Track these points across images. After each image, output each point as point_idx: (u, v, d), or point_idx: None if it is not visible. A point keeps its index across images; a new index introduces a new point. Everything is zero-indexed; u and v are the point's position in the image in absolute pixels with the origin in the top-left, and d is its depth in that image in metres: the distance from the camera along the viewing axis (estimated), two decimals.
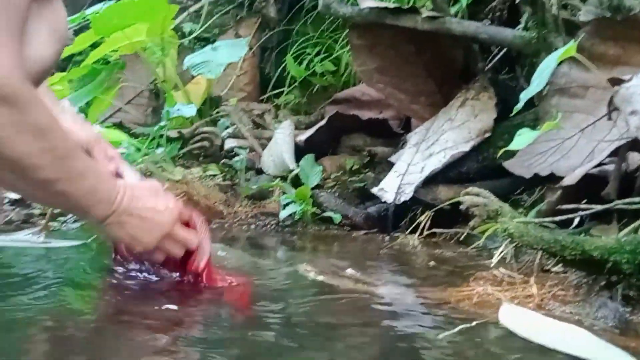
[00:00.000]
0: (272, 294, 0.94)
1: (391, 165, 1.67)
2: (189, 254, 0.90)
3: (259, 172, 1.86)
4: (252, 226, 1.63)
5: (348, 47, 2.08)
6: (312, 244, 1.44)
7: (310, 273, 1.03)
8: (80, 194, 0.78)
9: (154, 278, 0.92)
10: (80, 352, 0.68)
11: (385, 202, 1.55)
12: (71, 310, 0.86)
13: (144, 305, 0.85)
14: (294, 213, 1.60)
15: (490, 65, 1.83)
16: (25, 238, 1.25)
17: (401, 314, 0.86)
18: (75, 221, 1.61)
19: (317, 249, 1.34)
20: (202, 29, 2.52)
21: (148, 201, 0.86)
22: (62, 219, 1.63)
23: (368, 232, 1.56)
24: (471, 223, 1.38)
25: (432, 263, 1.22)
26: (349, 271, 1.05)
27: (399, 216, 1.55)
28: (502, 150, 1.15)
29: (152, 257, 0.90)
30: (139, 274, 0.92)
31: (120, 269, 0.93)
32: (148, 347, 0.68)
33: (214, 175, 1.84)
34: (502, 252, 1.15)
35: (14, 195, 1.61)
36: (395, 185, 1.57)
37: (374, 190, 1.59)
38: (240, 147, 1.94)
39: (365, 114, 2.00)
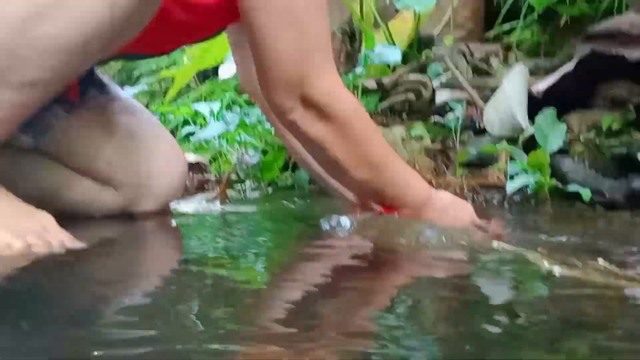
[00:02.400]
0: (496, 285, 0.94)
1: None
2: None
3: (480, 132, 1.85)
4: (470, 202, 1.63)
5: None
6: (550, 225, 1.40)
7: (545, 261, 1.01)
8: (389, 195, 1.18)
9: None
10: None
11: None
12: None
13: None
14: (526, 186, 1.58)
15: None
16: (201, 205, 1.40)
17: None
18: (253, 189, 1.77)
19: (556, 232, 1.30)
20: None
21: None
22: (239, 187, 1.80)
23: (631, 214, 1.50)
24: None
25: None
26: (600, 261, 1.01)
27: None
28: None
29: None
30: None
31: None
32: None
33: (421, 137, 1.87)
34: None
35: (189, 159, 1.81)
36: None
37: None
38: (455, 101, 1.94)
39: (635, 53, 1.88)
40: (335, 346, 0.64)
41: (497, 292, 0.91)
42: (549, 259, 1.01)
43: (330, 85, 1.10)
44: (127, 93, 1.32)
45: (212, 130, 1.65)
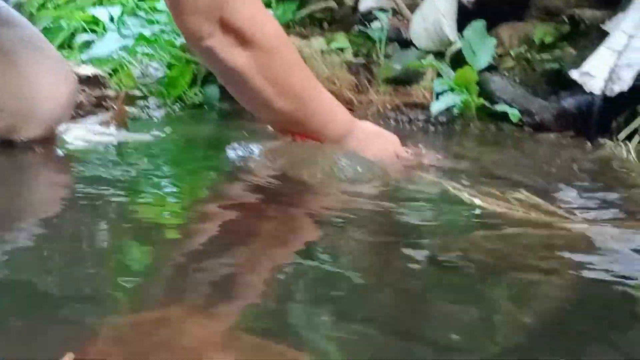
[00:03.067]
0: (410, 222, 0.92)
1: (604, 36, 1.59)
2: None
3: (406, 44, 1.82)
4: (392, 122, 1.62)
5: None
6: (475, 150, 1.39)
7: (465, 193, 1.00)
8: (311, 127, 1.16)
9: None
10: None
11: (589, 92, 1.50)
12: None
13: None
14: (453, 106, 1.57)
15: None
16: (94, 129, 1.33)
17: (600, 261, 0.80)
18: (158, 107, 1.70)
19: (480, 158, 1.29)
20: None
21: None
22: (142, 103, 1.72)
23: (560, 136, 1.52)
24: None
25: None
26: (524, 193, 1.00)
27: (608, 114, 1.49)
28: None
29: None
30: None
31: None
32: None
33: (342, 49, 1.83)
34: None
35: (84, 72, 1.71)
36: (607, 67, 1.50)
37: (574, 74, 1.53)
38: (380, 9, 1.90)
39: None
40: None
41: (416, 230, 0.89)
42: (470, 191, 0.99)
43: (252, 8, 1.08)
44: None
45: (107, 45, 1.55)
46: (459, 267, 0.75)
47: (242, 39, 1.07)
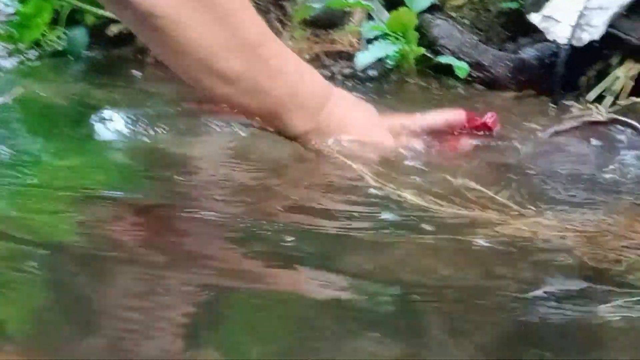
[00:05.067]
0: (324, 228, 0.91)
1: None
2: None
3: None
4: None
5: None
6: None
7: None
8: (275, 95, 1.07)
9: None
10: None
11: (553, 41, 1.52)
12: None
13: None
14: (386, 57, 1.56)
15: None
16: None
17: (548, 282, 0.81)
18: (9, 54, 1.64)
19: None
20: None
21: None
22: None
23: (517, 95, 1.54)
24: None
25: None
26: (460, 181, 0.99)
27: (575, 69, 1.51)
28: None
29: None
30: None
31: None
32: None
33: None
34: None
35: None
36: (575, 12, 1.51)
37: (534, 18, 1.55)
38: None
39: None
40: None
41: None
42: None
43: None
44: None
45: None
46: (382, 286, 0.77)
47: None
